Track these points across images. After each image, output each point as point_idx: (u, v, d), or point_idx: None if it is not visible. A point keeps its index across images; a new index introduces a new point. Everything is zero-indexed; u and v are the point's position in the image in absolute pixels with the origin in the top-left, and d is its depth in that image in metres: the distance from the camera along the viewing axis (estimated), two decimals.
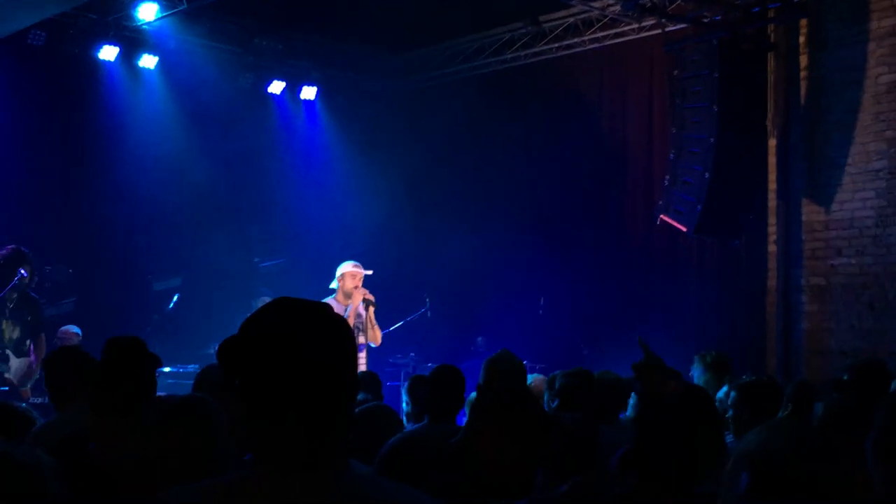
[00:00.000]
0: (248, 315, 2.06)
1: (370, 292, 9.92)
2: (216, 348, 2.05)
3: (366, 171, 13.99)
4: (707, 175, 10.00)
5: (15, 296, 9.46)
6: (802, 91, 10.66)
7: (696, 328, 11.43)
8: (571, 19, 12.40)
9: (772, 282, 10.76)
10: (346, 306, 9.79)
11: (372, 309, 9.90)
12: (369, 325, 9.90)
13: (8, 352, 9.38)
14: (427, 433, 4.88)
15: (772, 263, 10.77)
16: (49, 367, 5.13)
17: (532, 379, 6.94)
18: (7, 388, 9.10)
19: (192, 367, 10.89)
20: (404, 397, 6.24)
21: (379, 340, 10.05)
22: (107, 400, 3.61)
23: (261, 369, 1.98)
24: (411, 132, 14.48)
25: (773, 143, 10.73)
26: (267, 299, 3.06)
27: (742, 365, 8.80)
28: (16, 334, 9.47)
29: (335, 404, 1.99)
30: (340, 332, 2.05)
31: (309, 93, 14.08)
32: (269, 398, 1.97)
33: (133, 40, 12.23)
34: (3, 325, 9.42)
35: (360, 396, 5.55)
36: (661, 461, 2.98)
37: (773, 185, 10.74)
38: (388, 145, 14.35)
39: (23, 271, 9.29)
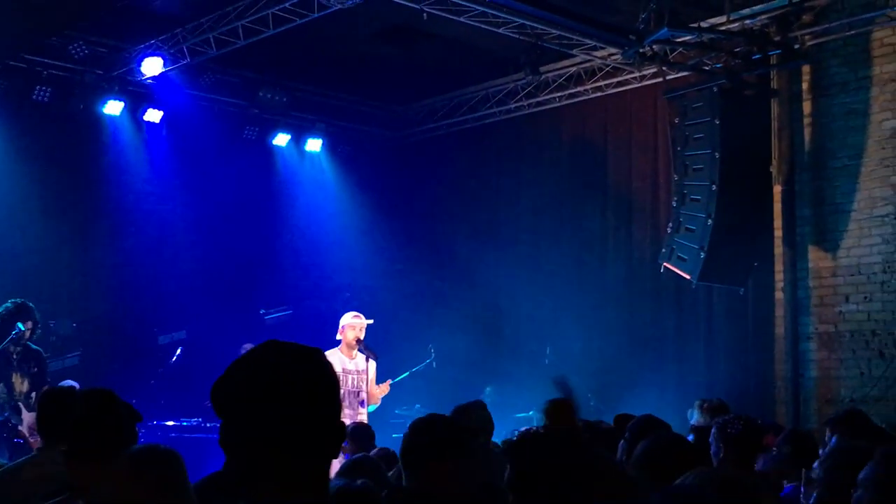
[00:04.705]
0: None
1: (373, 347, 9.82)
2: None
3: (371, 222, 14.00)
4: (710, 222, 9.94)
5: (19, 349, 9.53)
6: (806, 137, 10.62)
7: (705, 376, 11.31)
8: (574, 69, 12.43)
9: (779, 329, 10.64)
10: (352, 359, 9.74)
11: (373, 364, 9.82)
12: (371, 384, 9.82)
13: (20, 404, 9.41)
14: None
15: (779, 311, 10.65)
16: (40, 406, 5.11)
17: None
18: (21, 441, 9.18)
19: (196, 421, 10.83)
20: None
21: (377, 401, 9.97)
22: (80, 448, 3.61)
23: (245, 405, 2.04)
24: (416, 183, 14.50)
25: (777, 189, 10.67)
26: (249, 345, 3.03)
27: (753, 413, 8.70)
28: (25, 387, 9.54)
29: (315, 437, 2.05)
30: (321, 371, 2.11)
31: (314, 145, 14.13)
32: (254, 431, 2.03)
33: (138, 95, 12.33)
34: (14, 379, 9.49)
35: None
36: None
37: (778, 232, 10.65)
38: (394, 196, 14.38)
39: (20, 325, 9.36)
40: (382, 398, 10.07)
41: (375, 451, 6.42)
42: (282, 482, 2.02)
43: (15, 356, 9.53)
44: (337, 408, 2.12)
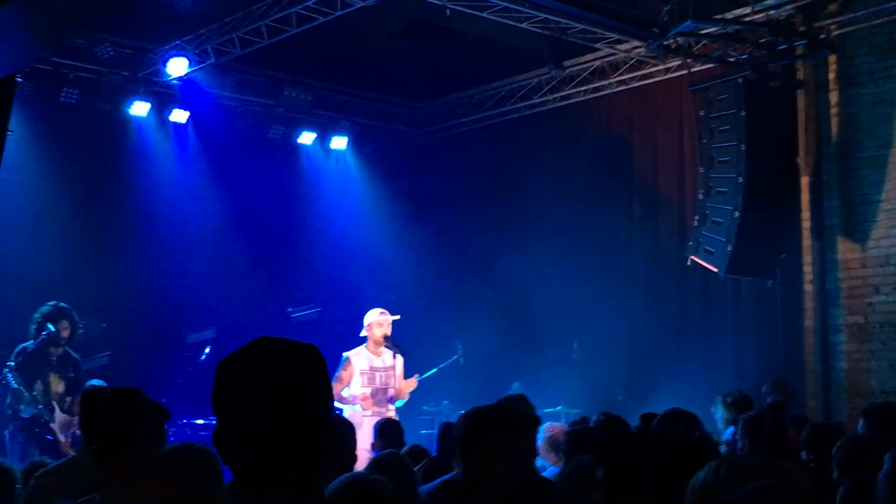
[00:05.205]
0: None
1: (399, 344, 9.82)
2: None
3: (396, 219, 14.03)
4: (737, 214, 9.88)
5: (59, 350, 9.71)
6: (833, 128, 10.52)
7: (733, 369, 11.24)
8: (598, 62, 12.39)
9: (809, 321, 10.55)
10: (378, 356, 9.76)
11: (401, 360, 9.83)
12: (399, 380, 9.83)
13: (54, 403, 9.56)
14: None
15: (808, 303, 10.57)
16: (84, 405, 5.16)
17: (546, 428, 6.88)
18: (51, 438, 9.44)
19: None
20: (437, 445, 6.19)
21: (405, 396, 9.97)
22: (108, 446, 3.63)
23: (236, 404, 2.04)
24: (441, 179, 14.51)
25: (805, 180, 10.58)
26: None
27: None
28: (60, 389, 9.74)
29: (306, 436, 2.02)
30: (313, 368, 2.08)
31: (339, 143, 14.18)
32: (244, 430, 2.01)
33: (164, 96, 12.42)
34: (51, 378, 9.68)
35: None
36: None
37: (806, 224, 10.57)
38: (419, 193, 14.39)
39: (50, 325, 9.49)
40: (410, 394, 10.09)
41: (406, 448, 6.43)
42: (275, 481, 2.00)
43: (54, 358, 9.74)
44: (329, 406, 2.10)
